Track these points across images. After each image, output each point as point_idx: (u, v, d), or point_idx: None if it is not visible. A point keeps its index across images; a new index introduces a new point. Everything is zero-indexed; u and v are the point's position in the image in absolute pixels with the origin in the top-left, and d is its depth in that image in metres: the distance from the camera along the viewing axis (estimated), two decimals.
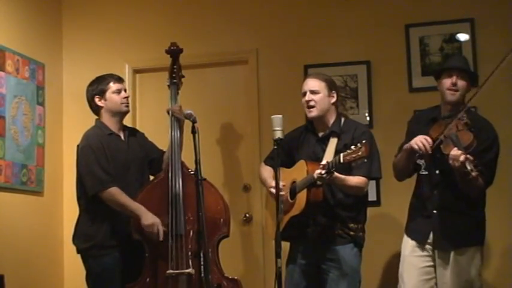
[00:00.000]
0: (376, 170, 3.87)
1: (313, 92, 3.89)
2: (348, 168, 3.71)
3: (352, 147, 3.49)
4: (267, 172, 4.09)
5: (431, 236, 3.74)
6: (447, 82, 3.73)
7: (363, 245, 3.93)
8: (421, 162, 3.82)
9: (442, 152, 3.57)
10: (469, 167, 3.35)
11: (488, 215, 3.83)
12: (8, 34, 4.80)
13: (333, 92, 3.93)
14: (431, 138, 3.64)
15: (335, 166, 3.55)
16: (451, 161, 3.45)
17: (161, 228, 3.84)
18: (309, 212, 3.75)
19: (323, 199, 3.76)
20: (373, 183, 4.69)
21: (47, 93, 5.16)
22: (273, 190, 3.84)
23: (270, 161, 4.16)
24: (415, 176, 3.95)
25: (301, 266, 3.91)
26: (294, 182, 3.82)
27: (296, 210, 3.77)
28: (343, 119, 3.97)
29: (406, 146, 3.73)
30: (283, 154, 4.00)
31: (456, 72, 3.72)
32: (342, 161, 3.50)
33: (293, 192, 3.81)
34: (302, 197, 3.74)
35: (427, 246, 3.75)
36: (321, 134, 3.95)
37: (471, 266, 3.68)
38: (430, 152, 3.61)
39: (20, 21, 4.97)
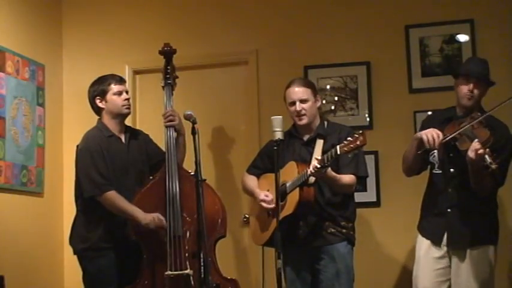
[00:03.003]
0: (363, 169, 3.90)
1: (302, 101, 3.91)
2: (335, 167, 3.74)
3: (349, 138, 3.50)
4: (252, 181, 4.12)
5: (446, 234, 3.73)
6: (464, 88, 3.74)
7: (354, 244, 3.93)
8: (435, 160, 3.81)
9: (459, 149, 3.60)
10: (488, 160, 3.36)
11: (500, 216, 3.84)
12: (8, 35, 4.80)
13: (317, 96, 3.99)
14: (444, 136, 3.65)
15: (331, 159, 3.55)
16: (469, 153, 3.45)
17: (162, 218, 3.84)
18: (300, 212, 3.76)
19: (314, 198, 3.76)
20: (372, 184, 4.70)
21: (47, 94, 5.16)
22: (264, 204, 3.88)
23: (253, 169, 4.18)
24: (417, 178, 3.95)
25: (296, 270, 3.91)
26: (283, 185, 3.81)
27: (288, 210, 3.77)
28: (326, 122, 4.02)
29: (416, 135, 3.72)
30: (267, 161, 4.06)
31: (474, 80, 3.72)
32: (338, 152, 3.49)
33: (283, 194, 3.80)
34: (293, 196, 3.75)
35: (443, 246, 3.74)
36: (306, 138, 3.96)
37: (486, 265, 3.68)
38: (436, 148, 3.60)
39: (20, 22, 4.97)
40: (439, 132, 3.61)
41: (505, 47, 4.67)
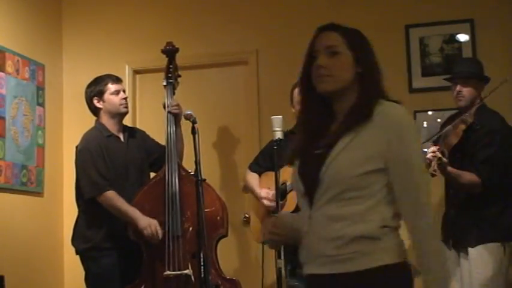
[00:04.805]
0: None
1: None
2: None
3: None
4: (254, 180, 4.12)
5: (450, 235, 3.78)
6: (454, 91, 3.86)
7: None
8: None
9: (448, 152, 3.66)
10: (433, 167, 3.45)
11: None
12: (8, 35, 4.80)
13: None
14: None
15: None
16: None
17: (159, 228, 3.84)
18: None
19: None
20: None
21: (47, 93, 5.16)
22: (265, 202, 3.89)
23: (256, 167, 4.19)
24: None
25: (297, 268, 3.90)
26: (283, 184, 3.80)
27: (288, 208, 3.77)
28: None
29: None
30: (268, 160, 4.07)
31: (460, 81, 3.83)
32: None
33: (283, 193, 3.80)
34: (295, 194, 3.74)
35: (450, 247, 3.78)
36: None
37: (491, 262, 3.67)
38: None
39: (20, 21, 4.97)
40: None
41: (505, 47, 4.67)
